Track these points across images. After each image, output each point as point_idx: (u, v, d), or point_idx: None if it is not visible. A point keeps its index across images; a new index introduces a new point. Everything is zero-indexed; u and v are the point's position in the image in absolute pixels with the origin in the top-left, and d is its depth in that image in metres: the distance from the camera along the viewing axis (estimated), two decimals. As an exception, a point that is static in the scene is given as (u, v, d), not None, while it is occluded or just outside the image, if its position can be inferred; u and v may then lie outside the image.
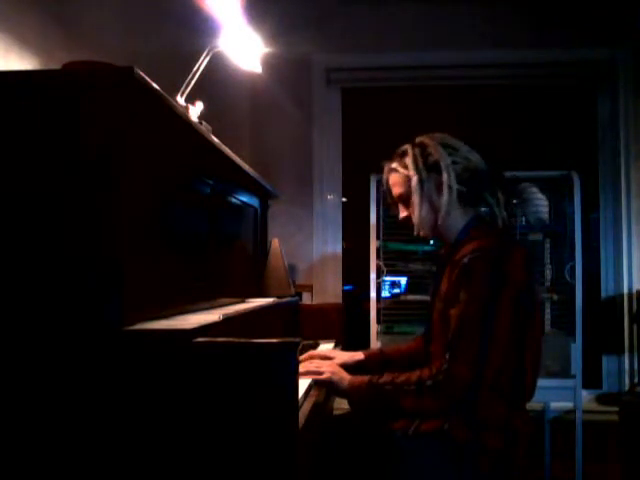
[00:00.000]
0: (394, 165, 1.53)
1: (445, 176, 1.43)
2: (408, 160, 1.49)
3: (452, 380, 1.26)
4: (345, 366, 1.55)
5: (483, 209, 1.52)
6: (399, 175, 1.51)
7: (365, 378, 1.38)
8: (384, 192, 1.63)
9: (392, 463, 1.33)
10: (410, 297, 2.58)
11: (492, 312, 1.27)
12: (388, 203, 1.65)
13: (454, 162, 1.45)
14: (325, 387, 1.42)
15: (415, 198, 1.46)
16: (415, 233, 1.52)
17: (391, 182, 1.56)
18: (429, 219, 1.47)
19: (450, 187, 1.43)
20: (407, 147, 1.52)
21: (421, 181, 1.45)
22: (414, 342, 1.76)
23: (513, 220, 2.52)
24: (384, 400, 1.34)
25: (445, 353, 1.28)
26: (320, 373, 1.42)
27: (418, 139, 1.52)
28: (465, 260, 1.33)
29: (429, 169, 1.45)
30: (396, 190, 1.54)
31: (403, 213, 1.55)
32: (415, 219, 1.48)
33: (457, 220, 1.47)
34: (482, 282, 1.29)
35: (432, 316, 1.49)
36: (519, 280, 1.31)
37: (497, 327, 1.27)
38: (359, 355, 1.70)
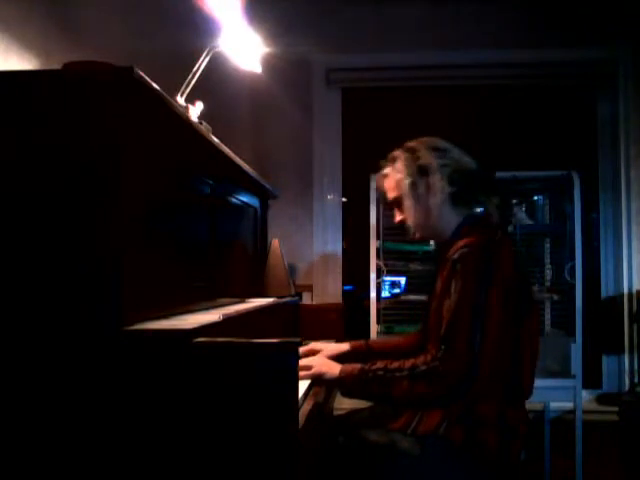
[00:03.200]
0: (386, 171, 1.59)
1: (434, 178, 1.46)
2: (399, 165, 1.53)
3: (447, 366, 1.26)
4: (330, 358, 1.55)
5: (478, 210, 1.54)
6: (392, 180, 1.56)
7: (357, 365, 1.39)
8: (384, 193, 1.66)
9: (391, 464, 1.33)
10: (410, 297, 2.58)
11: (482, 304, 1.28)
12: (387, 206, 1.70)
13: (444, 165, 1.48)
14: (317, 380, 1.42)
15: (407, 201, 1.51)
16: (411, 236, 1.57)
17: (385, 187, 1.61)
18: (422, 221, 1.51)
19: (441, 189, 1.46)
20: (398, 152, 1.57)
21: (413, 184, 1.49)
22: (404, 338, 1.77)
23: (510, 219, 2.53)
24: (376, 386, 1.34)
25: (440, 344, 1.29)
26: (309, 369, 1.42)
27: (408, 144, 1.56)
28: (455, 256, 1.35)
29: (420, 172, 1.49)
30: (390, 194, 1.59)
31: (399, 217, 1.60)
32: (409, 221, 1.53)
33: (450, 220, 1.50)
34: (471, 275, 1.31)
35: (429, 315, 1.50)
36: (507, 273, 1.33)
37: (488, 318, 1.28)
38: (344, 346, 1.72)
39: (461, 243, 1.38)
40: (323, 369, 1.42)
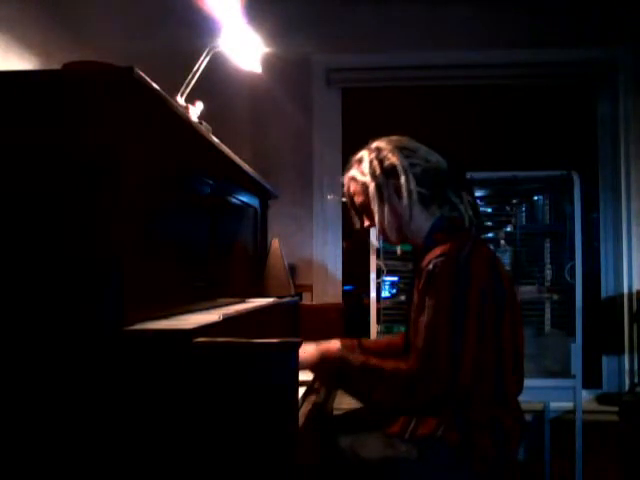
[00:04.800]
0: (352, 173, 1.51)
1: (403, 179, 1.41)
2: (364, 167, 1.46)
3: (426, 381, 1.25)
4: None
5: (449, 210, 1.48)
6: (358, 183, 1.49)
7: (337, 352, 1.39)
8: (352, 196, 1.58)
9: (389, 467, 1.33)
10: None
11: (459, 316, 1.25)
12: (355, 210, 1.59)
13: (412, 164, 1.43)
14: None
15: (374, 205, 1.44)
16: (378, 240, 1.50)
17: (352, 191, 1.53)
18: (392, 225, 1.45)
19: (410, 190, 1.41)
20: (363, 153, 1.50)
21: (379, 187, 1.43)
22: (396, 337, 1.76)
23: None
24: (355, 382, 1.33)
25: (419, 358, 1.27)
26: None
27: (374, 143, 1.50)
28: (429, 267, 1.31)
29: (386, 174, 1.43)
30: (357, 199, 1.51)
31: (366, 222, 1.53)
32: (377, 226, 1.46)
33: (422, 223, 1.45)
34: (446, 286, 1.28)
35: (409, 323, 1.48)
36: (483, 280, 1.29)
37: (466, 329, 1.25)
38: (335, 343, 1.68)
39: (435, 252, 1.33)
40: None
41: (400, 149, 1.45)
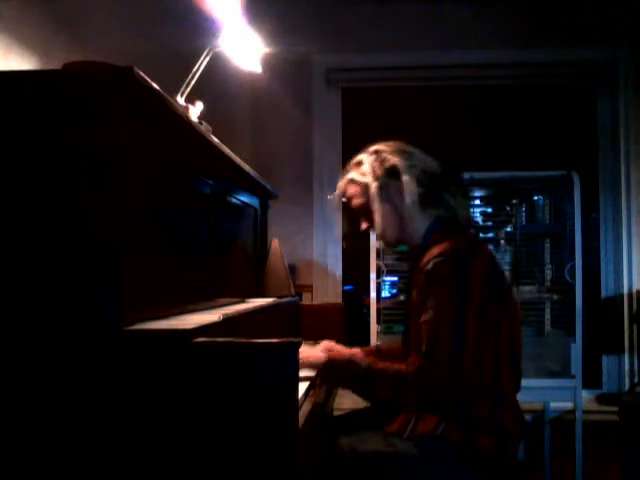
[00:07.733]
0: (351, 176, 1.52)
1: (405, 179, 1.42)
2: (365, 168, 1.48)
3: (430, 380, 1.28)
4: None
5: (446, 211, 1.50)
6: (357, 185, 1.50)
7: (345, 355, 1.45)
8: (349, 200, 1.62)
9: (389, 465, 1.33)
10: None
11: (461, 316, 1.28)
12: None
13: (411, 166, 1.45)
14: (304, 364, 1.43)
15: (376, 205, 1.45)
16: (379, 242, 1.53)
17: (349, 194, 1.54)
18: (393, 225, 1.47)
19: (412, 190, 1.42)
20: (362, 156, 1.52)
21: (380, 187, 1.45)
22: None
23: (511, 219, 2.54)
24: (358, 380, 1.39)
25: (421, 357, 1.30)
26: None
27: (372, 147, 1.51)
28: (429, 266, 1.33)
29: (388, 175, 1.45)
30: (356, 201, 1.52)
31: (364, 225, 1.55)
32: (377, 228, 1.48)
33: (419, 224, 1.46)
34: (447, 285, 1.30)
35: (409, 324, 1.49)
36: (483, 278, 1.31)
37: (467, 327, 1.27)
38: (356, 351, 1.71)
39: (434, 251, 1.35)
40: (306, 354, 1.45)
41: (398, 152, 1.47)
